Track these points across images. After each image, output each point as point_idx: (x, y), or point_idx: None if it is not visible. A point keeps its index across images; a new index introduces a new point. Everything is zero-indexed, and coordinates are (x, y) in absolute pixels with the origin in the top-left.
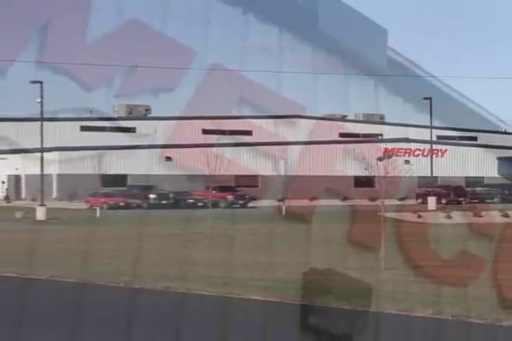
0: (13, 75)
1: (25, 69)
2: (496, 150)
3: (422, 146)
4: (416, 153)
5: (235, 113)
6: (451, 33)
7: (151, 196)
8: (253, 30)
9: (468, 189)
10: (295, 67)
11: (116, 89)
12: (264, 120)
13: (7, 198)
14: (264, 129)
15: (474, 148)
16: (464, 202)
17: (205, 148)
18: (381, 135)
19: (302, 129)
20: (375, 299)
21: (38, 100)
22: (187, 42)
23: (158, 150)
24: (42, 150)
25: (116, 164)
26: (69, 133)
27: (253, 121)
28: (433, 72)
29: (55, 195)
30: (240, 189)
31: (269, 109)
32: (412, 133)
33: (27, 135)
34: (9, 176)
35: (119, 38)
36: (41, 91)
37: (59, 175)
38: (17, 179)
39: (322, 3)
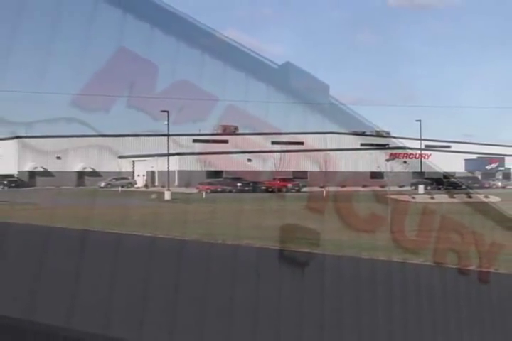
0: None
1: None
2: (463, 154)
3: (414, 152)
4: (411, 156)
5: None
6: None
7: (238, 184)
8: (251, 86)
9: (445, 180)
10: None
11: (172, 120)
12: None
13: (146, 186)
14: (311, 141)
15: (448, 153)
16: (442, 189)
17: (273, 154)
18: (388, 144)
19: (334, 141)
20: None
21: (165, 122)
22: (212, 92)
23: (242, 154)
24: (168, 154)
25: (216, 163)
26: (185, 143)
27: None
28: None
29: (176, 183)
30: (295, 179)
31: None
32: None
33: (158, 145)
34: (147, 172)
35: (174, 91)
36: (167, 117)
37: (179, 171)
38: (152, 173)
39: (292, 71)
